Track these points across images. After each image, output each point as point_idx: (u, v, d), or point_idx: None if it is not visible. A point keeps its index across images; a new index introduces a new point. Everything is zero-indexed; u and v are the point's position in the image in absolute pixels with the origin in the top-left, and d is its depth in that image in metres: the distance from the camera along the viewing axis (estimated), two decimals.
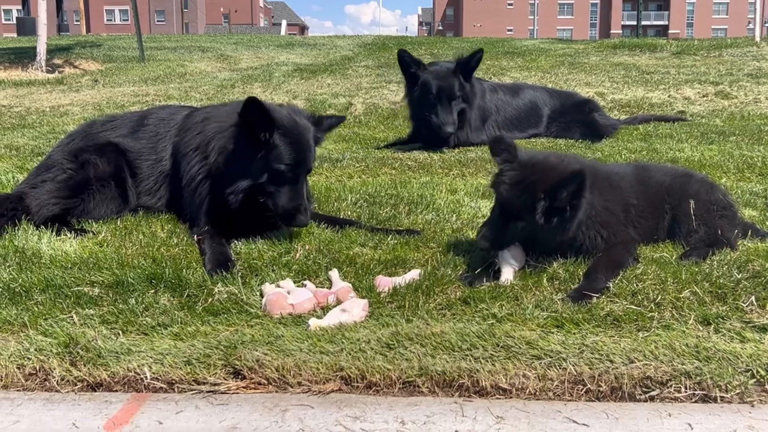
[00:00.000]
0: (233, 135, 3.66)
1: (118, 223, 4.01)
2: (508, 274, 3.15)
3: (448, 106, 6.72)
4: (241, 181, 3.60)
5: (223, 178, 3.67)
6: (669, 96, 9.79)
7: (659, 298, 2.89)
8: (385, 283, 3.11)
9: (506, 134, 7.36)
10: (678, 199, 3.53)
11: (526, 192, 3.09)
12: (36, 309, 2.94)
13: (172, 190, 4.14)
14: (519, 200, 3.11)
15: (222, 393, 2.48)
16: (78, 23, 40.48)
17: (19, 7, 40.29)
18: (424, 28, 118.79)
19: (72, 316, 2.88)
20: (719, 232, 3.42)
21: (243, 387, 2.50)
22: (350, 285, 3.08)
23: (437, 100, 6.73)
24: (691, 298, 2.90)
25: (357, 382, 2.48)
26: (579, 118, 7.46)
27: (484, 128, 7.28)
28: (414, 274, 3.18)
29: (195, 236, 3.65)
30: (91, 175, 4.06)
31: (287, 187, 3.59)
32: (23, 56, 16.46)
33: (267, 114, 3.51)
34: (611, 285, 3.00)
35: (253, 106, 3.49)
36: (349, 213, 4.22)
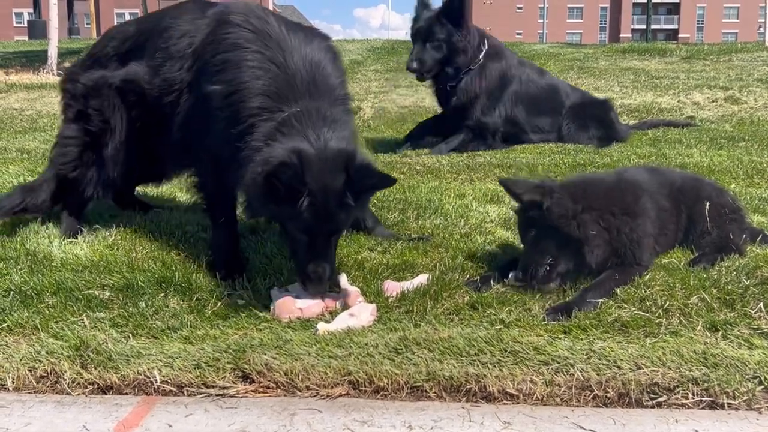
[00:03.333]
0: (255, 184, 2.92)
1: (128, 226, 4.04)
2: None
3: (421, 46, 6.71)
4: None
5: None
6: (678, 101, 9.76)
7: (667, 304, 2.89)
8: (393, 287, 3.12)
9: (521, 117, 7.17)
10: (693, 200, 3.52)
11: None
12: (47, 312, 2.96)
13: None
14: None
15: (231, 396, 2.50)
16: (89, 26, 40.71)
17: (31, 11, 40.56)
18: None
19: (83, 319, 2.91)
20: (730, 236, 3.42)
21: (252, 391, 2.52)
22: (358, 289, 3.09)
23: (413, 39, 6.77)
24: (699, 304, 2.90)
25: (365, 386, 2.49)
26: (597, 114, 7.30)
27: (501, 98, 7.06)
28: (422, 278, 3.19)
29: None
30: None
31: (305, 250, 2.96)
32: (35, 59, 16.55)
33: (295, 183, 2.79)
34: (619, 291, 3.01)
35: (277, 176, 2.76)
36: None
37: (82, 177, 3.92)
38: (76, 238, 3.80)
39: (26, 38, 31.34)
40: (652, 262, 3.26)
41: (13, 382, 2.58)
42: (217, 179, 3.42)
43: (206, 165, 3.47)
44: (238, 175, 3.07)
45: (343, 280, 3.18)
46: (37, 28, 28.45)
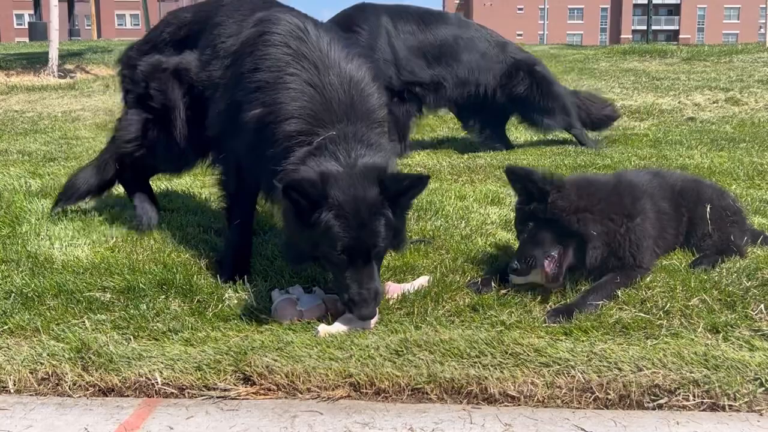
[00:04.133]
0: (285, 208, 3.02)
1: (129, 228, 4.04)
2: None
3: None
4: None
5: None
6: (679, 102, 9.75)
7: (668, 305, 2.89)
8: (394, 289, 3.12)
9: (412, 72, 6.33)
10: (694, 203, 3.52)
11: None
12: (48, 314, 2.97)
13: None
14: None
15: (232, 399, 2.51)
16: (89, 28, 40.76)
17: (31, 12, 40.59)
18: None
19: (84, 322, 2.92)
20: (731, 238, 3.42)
21: (253, 393, 2.52)
22: None
23: None
24: (700, 306, 2.90)
25: (366, 388, 2.49)
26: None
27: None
28: (423, 280, 3.20)
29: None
30: None
31: (347, 272, 2.83)
32: (35, 61, 16.55)
33: (314, 195, 2.78)
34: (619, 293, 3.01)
35: (295, 187, 2.79)
36: None
37: (147, 150, 4.02)
38: (150, 227, 4.00)
39: (27, 40, 31.39)
40: (652, 264, 3.26)
41: (14, 384, 2.58)
42: (240, 182, 3.48)
43: (231, 167, 3.52)
44: (273, 197, 3.18)
45: None
46: (37, 30, 28.47)
